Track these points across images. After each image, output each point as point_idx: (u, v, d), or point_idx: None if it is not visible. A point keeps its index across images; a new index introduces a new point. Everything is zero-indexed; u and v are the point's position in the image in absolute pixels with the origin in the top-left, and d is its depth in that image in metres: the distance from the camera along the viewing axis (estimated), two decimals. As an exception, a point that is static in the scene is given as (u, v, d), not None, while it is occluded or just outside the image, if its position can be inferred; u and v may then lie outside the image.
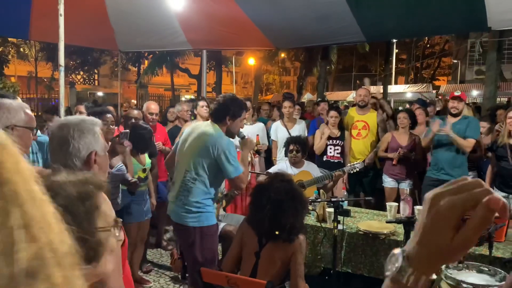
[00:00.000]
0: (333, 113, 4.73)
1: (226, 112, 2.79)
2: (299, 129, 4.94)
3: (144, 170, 3.70)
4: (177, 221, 2.82)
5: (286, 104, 5.00)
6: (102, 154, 1.49)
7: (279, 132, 4.93)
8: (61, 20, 4.31)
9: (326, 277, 3.08)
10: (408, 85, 24.06)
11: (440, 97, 16.20)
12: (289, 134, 4.71)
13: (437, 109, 6.97)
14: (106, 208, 0.90)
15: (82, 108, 5.00)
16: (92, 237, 0.83)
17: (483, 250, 2.56)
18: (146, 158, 3.77)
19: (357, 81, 28.73)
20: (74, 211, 0.81)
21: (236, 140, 3.06)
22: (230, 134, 2.84)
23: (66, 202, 0.81)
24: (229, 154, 2.67)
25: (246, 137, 2.95)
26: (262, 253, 2.28)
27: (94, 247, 0.83)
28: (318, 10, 4.85)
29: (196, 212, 2.73)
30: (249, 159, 4.49)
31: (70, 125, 1.45)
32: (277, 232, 2.17)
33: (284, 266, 2.25)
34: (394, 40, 17.71)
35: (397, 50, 25.08)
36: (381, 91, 17.82)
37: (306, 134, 5.02)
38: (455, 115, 4.07)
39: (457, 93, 4.12)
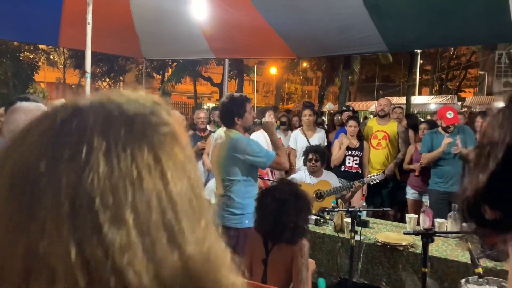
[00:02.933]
0: (352, 122, 4.70)
1: (232, 115, 2.93)
2: (318, 138, 4.93)
3: None
4: (220, 223, 2.91)
5: (306, 112, 5.00)
6: None
7: (299, 140, 4.93)
8: (89, 29, 4.46)
9: (343, 288, 3.05)
10: (432, 97, 23.62)
11: (465, 109, 15.81)
12: (309, 143, 4.70)
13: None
14: None
15: None
16: None
17: (505, 266, 2.49)
18: None
19: (380, 92, 28.42)
20: None
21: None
22: (247, 129, 3.00)
23: None
24: (253, 151, 2.83)
25: (262, 121, 3.07)
26: (269, 260, 2.30)
27: None
28: (340, 20, 4.86)
29: (239, 214, 2.89)
30: None
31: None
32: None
33: (288, 271, 2.26)
34: (418, 51, 17.48)
35: (421, 61, 24.73)
36: (404, 102, 17.58)
37: (326, 143, 5.00)
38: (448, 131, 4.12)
39: (449, 115, 4.13)
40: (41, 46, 19.34)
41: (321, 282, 2.37)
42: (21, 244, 0.31)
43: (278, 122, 3.26)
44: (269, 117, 4.92)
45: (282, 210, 2.19)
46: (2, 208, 0.33)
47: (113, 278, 0.32)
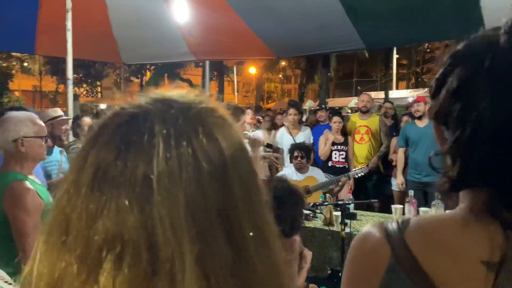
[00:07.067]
0: (336, 118, 4.81)
1: None
2: (304, 136, 5.01)
3: None
4: None
5: (291, 111, 5.07)
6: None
7: (284, 139, 5.01)
8: (69, 35, 4.42)
9: (335, 280, 3.13)
10: (409, 90, 24.10)
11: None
12: (294, 141, 4.78)
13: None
14: None
15: (87, 119, 5.09)
16: None
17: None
18: None
19: (358, 87, 28.83)
20: None
21: None
22: None
23: None
24: None
25: (250, 136, 3.06)
26: None
27: None
28: (318, 20, 4.96)
29: None
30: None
31: None
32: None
33: None
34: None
35: (397, 56, 25.21)
36: (383, 96, 17.91)
37: (311, 141, 5.08)
38: (419, 118, 4.33)
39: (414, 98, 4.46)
40: (14, 53, 18.90)
41: None
42: (99, 225, 0.37)
43: (265, 142, 3.32)
44: (248, 116, 5.01)
45: (279, 207, 2.24)
46: (84, 199, 0.38)
47: (164, 254, 0.36)
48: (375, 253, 0.60)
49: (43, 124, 2.00)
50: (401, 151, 4.49)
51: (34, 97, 25.82)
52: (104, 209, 0.37)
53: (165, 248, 0.36)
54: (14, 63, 21.08)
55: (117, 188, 0.37)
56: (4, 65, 19.79)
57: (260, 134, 5.12)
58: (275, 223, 0.46)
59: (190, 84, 20.95)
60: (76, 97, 22.93)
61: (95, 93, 26.36)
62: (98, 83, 24.99)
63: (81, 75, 21.37)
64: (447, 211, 0.63)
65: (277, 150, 5.11)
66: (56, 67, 18.20)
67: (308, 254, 2.47)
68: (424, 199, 4.05)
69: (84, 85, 23.26)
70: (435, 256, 0.57)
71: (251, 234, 0.40)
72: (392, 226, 0.62)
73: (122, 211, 0.37)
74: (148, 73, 21.54)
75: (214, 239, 0.38)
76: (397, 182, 4.52)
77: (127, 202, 0.37)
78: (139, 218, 0.37)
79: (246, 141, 3.16)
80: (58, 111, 3.26)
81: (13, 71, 20.73)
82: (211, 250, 0.38)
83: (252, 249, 0.40)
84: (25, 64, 22.78)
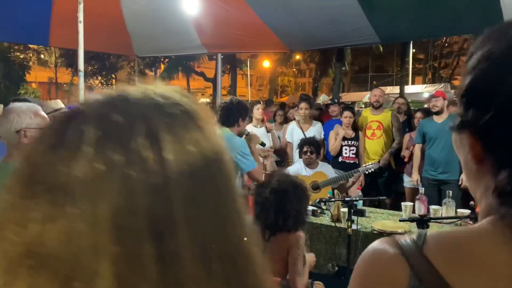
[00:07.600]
0: (347, 113, 4.73)
1: (238, 116, 3.08)
2: (314, 131, 4.94)
3: None
4: None
5: (302, 105, 5.01)
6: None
7: (295, 133, 4.96)
8: (81, 27, 4.44)
9: (342, 277, 3.09)
10: (425, 85, 23.70)
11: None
12: (304, 136, 4.73)
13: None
14: None
15: None
16: None
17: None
18: None
19: (374, 82, 28.48)
20: None
21: None
22: (240, 134, 3.15)
23: None
24: (242, 152, 2.97)
25: (249, 133, 3.25)
26: (265, 250, 2.32)
27: None
28: (331, 13, 4.87)
29: None
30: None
31: None
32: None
33: (284, 262, 2.29)
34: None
35: (414, 50, 24.78)
36: (398, 91, 17.64)
37: (322, 136, 5.02)
38: (437, 113, 4.18)
39: (431, 93, 4.50)
40: (31, 45, 19.20)
41: None
42: (21, 236, 0.34)
43: (260, 140, 3.45)
44: (257, 110, 4.97)
45: (283, 200, 2.22)
46: (13, 205, 0.35)
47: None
48: (391, 273, 0.53)
49: (46, 115, 2.00)
50: (417, 147, 4.38)
51: (49, 89, 26.24)
52: (28, 218, 0.34)
53: (83, 267, 0.32)
54: (31, 55, 21.42)
55: (41, 194, 0.34)
56: (21, 56, 20.12)
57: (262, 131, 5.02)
58: (253, 251, 0.41)
59: (205, 77, 21.00)
60: (91, 88, 23.21)
61: (110, 85, 26.63)
62: (113, 75, 25.24)
63: (96, 67, 21.60)
64: (474, 225, 0.56)
65: (285, 145, 5.08)
66: (71, 59, 18.41)
67: (310, 256, 2.44)
68: (438, 197, 3.96)
69: (99, 77, 23.50)
70: (464, 272, 0.51)
71: (192, 262, 0.35)
72: (406, 241, 0.55)
73: (44, 222, 0.33)
74: (162, 65, 21.63)
75: (140, 262, 0.33)
76: (412, 179, 4.42)
77: (49, 212, 0.33)
78: (59, 230, 0.33)
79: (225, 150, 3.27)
80: (59, 103, 3.28)
81: (30, 63, 21.06)
82: (135, 274, 0.33)
83: (190, 280, 0.35)
84: (42, 56, 23.13)
